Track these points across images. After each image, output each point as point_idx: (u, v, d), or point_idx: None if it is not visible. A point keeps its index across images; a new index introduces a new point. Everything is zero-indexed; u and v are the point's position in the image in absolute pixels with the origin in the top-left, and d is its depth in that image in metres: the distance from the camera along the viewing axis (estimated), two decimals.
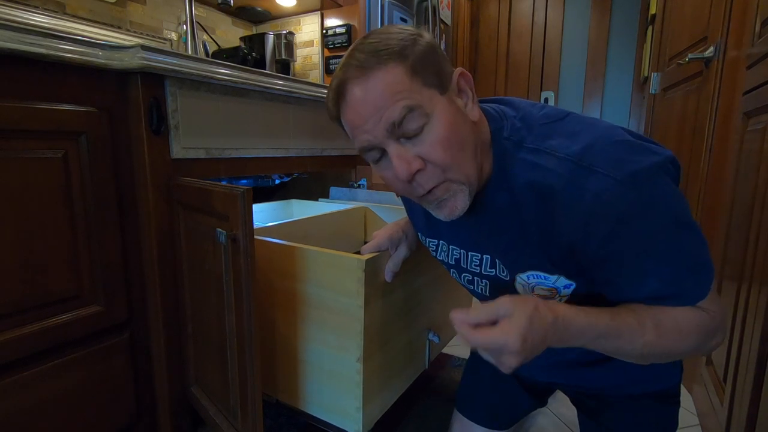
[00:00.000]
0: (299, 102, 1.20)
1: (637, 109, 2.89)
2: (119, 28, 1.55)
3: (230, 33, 2.06)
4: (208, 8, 1.92)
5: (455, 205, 0.53)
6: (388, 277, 0.70)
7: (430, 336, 0.91)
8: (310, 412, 0.78)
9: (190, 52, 1.57)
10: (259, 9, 2.05)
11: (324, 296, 0.71)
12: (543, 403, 0.87)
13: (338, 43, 2.03)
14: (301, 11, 2.11)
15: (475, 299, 0.99)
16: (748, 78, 0.95)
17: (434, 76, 0.50)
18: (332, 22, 2.07)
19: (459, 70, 0.54)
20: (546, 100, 3.17)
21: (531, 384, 0.82)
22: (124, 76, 0.80)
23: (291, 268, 0.74)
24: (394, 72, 0.48)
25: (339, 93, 0.51)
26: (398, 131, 0.49)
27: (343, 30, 2.02)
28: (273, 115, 1.12)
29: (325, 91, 1.26)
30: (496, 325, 0.45)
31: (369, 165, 1.51)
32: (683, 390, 0.71)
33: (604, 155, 0.47)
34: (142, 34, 1.62)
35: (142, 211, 0.84)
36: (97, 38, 0.74)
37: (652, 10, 2.25)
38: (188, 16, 1.54)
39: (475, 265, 0.64)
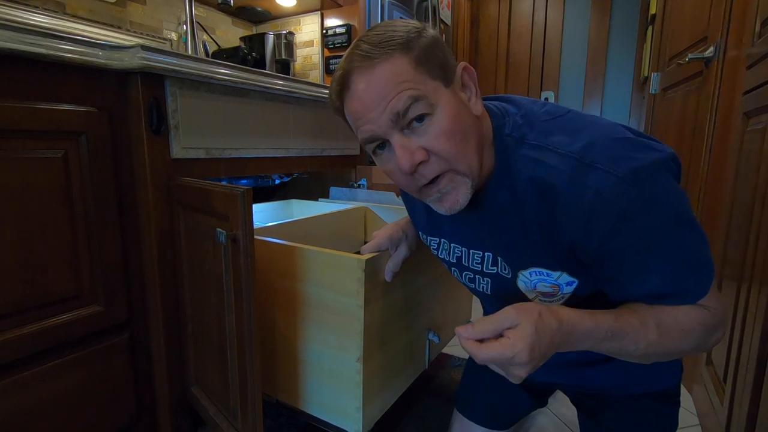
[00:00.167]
0: (299, 102, 1.20)
1: (637, 109, 2.89)
2: (119, 28, 1.55)
3: (230, 33, 2.06)
4: (208, 8, 1.92)
5: (456, 198, 0.53)
6: (388, 277, 0.70)
7: (430, 336, 0.91)
8: (310, 412, 0.78)
9: (190, 52, 1.57)
10: (259, 9, 2.05)
11: (324, 296, 0.71)
12: (543, 403, 0.87)
13: (338, 43, 2.03)
14: (301, 11, 2.11)
15: (475, 299, 0.99)
16: (748, 78, 0.95)
17: (439, 69, 0.50)
18: (332, 22, 2.07)
19: (463, 64, 0.54)
20: (546, 99, 3.17)
21: (531, 384, 0.82)
22: (124, 76, 0.80)
23: (291, 268, 0.74)
24: (400, 62, 0.48)
25: (343, 83, 0.51)
26: (402, 121, 0.49)
27: (343, 30, 2.01)
28: (273, 115, 1.12)
29: (326, 91, 1.27)
30: (502, 338, 0.45)
31: (369, 165, 1.52)
32: (683, 390, 0.71)
33: (606, 152, 0.47)
34: (142, 34, 1.62)
35: (142, 211, 0.84)
36: (97, 38, 0.74)
37: (652, 10, 2.25)
38: (188, 16, 1.54)
39: (477, 263, 0.64)
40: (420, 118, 0.49)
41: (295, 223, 1.10)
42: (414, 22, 0.52)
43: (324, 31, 2.08)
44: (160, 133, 0.83)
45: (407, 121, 0.49)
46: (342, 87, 0.51)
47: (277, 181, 1.60)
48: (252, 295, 0.64)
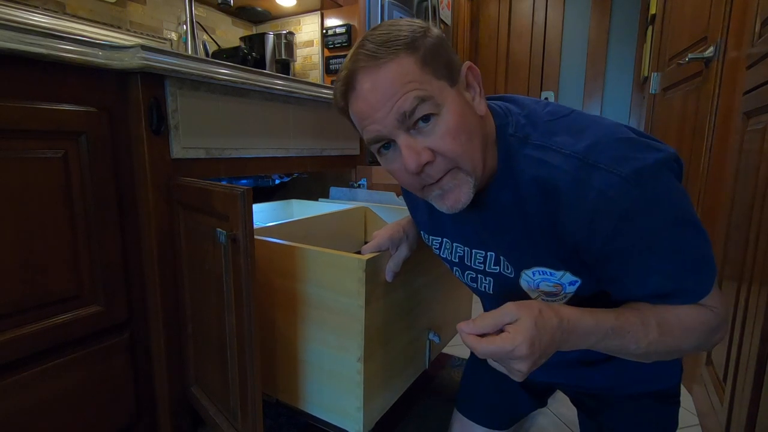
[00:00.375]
0: (299, 102, 1.20)
1: (637, 109, 2.89)
2: (119, 28, 1.55)
3: (230, 33, 2.06)
4: (208, 8, 1.92)
5: (458, 196, 0.52)
6: (388, 277, 0.70)
7: (431, 336, 0.91)
8: (311, 412, 0.78)
9: (190, 52, 1.57)
10: (259, 9, 2.05)
11: (324, 296, 0.71)
12: (543, 403, 0.87)
13: (338, 43, 2.03)
14: (301, 11, 2.11)
15: (475, 299, 0.99)
16: (748, 78, 0.95)
17: (444, 68, 0.50)
18: (332, 22, 2.07)
19: (467, 64, 0.53)
20: (546, 99, 3.17)
21: (531, 384, 0.82)
22: (124, 76, 0.79)
23: (291, 268, 0.74)
24: (406, 62, 0.48)
25: (348, 83, 0.50)
26: (408, 122, 0.49)
27: (343, 30, 2.01)
28: (273, 115, 1.12)
29: (326, 91, 1.27)
30: (502, 332, 0.45)
31: (369, 165, 1.52)
32: (683, 390, 0.71)
33: (609, 152, 0.47)
34: (142, 34, 1.62)
35: (142, 211, 0.84)
36: (97, 38, 0.74)
37: (652, 10, 2.25)
38: (188, 16, 1.54)
39: (479, 263, 0.64)
40: (426, 119, 0.49)
41: (295, 223, 1.10)
42: (419, 21, 0.52)
43: (324, 31, 2.08)
44: (160, 133, 0.83)
45: (413, 122, 0.49)
46: (347, 87, 0.51)
47: (277, 181, 1.60)
48: (252, 295, 0.64)
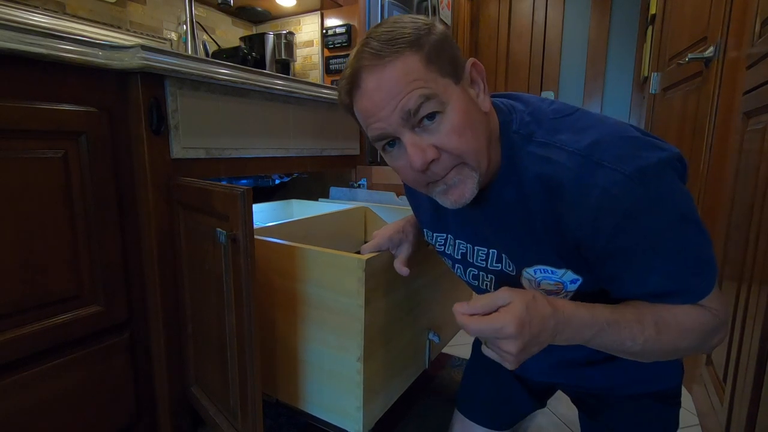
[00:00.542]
0: (299, 102, 1.20)
1: (637, 109, 2.89)
2: (119, 28, 1.55)
3: (230, 33, 2.06)
4: (208, 8, 1.92)
5: (462, 192, 0.53)
6: (404, 272, 0.69)
7: (431, 336, 0.91)
8: (311, 412, 0.78)
9: (190, 52, 1.57)
10: (259, 9, 2.05)
11: (324, 296, 0.71)
12: (543, 404, 0.87)
13: (338, 43, 2.03)
14: (301, 11, 2.11)
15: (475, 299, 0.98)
16: (748, 78, 0.95)
17: (449, 66, 0.50)
18: (332, 22, 2.07)
19: (471, 60, 0.53)
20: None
21: (531, 384, 0.82)
22: (124, 76, 0.79)
23: (291, 268, 0.74)
24: (410, 60, 0.48)
25: (353, 81, 0.50)
26: (413, 120, 0.49)
27: (343, 30, 2.01)
28: (273, 115, 1.12)
29: (326, 91, 1.27)
30: (494, 312, 0.46)
31: (369, 165, 1.52)
32: (683, 390, 0.71)
33: (613, 150, 0.47)
34: (142, 34, 1.62)
35: (142, 211, 0.84)
36: (97, 38, 0.74)
37: (652, 10, 2.26)
38: (188, 16, 1.54)
39: (481, 260, 0.64)
40: (431, 116, 0.49)
41: (295, 223, 1.10)
42: (423, 18, 0.52)
43: (324, 31, 2.08)
44: (160, 133, 0.83)
45: (418, 120, 0.49)
46: (352, 85, 0.51)
47: (277, 181, 1.60)
48: (252, 295, 0.64)
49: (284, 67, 1.95)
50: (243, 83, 0.98)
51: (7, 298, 0.68)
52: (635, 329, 0.48)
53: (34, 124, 0.68)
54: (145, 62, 0.76)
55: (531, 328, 0.45)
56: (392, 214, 1.26)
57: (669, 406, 0.69)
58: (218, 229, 0.66)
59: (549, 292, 0.58)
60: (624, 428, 0.70)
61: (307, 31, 2.14)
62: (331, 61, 2.09)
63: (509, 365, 0.46)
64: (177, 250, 0.87)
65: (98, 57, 0.74)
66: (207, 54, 1.76)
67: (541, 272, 0.57)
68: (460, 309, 0.48)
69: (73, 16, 1.41)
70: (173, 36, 1.75)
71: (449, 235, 0.69)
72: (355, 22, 2.01)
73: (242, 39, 1.95)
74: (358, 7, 1.99)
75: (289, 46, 1.92)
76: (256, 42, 1.87)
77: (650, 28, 2.35)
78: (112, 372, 0.83)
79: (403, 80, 0.48)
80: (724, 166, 1.08)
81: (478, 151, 0.51)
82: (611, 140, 0.48)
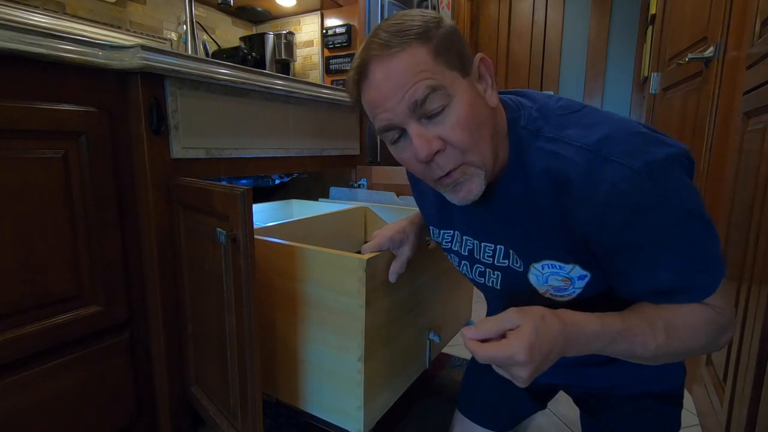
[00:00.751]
0: (299, 102, 1.20)
1: (637, 109, 2.89)
2: (119, 28, 1.55)
3: (230, 33, 2.06)
4: (208, 8, 1.92)
5: (470, 188, 0.53)
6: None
7: (431, 335, 0.91)
8: (311, 412, 0.78)
9: (190, 52, 1.57)
10: (259, 9, 2.05)
11: (324, 296, 0.71)
12: (543, 406, 0.86)
13: (338, 43, 2.03)
14: (301, 11, 2.11)
15: (475, 299, 0.98)
16: (748, 78, 0.95)
17: (457, 59, 0.50)
18: (332, 22, 2.08)
19: (480, 55, 0.53)
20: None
21: (533, 386, 0.82)
22: (124, 76, 0.79)
23: (291, 268, 0.74)
24: (418, 52, 0.48)
25: (361, 72, 0.51)
26: (420, 111, 0.49)
27: (343, 30, 2.01)
28: (273, 115, 1.12)
29: (326, 91, 1.27)
30: (503, 338, 0.45)
31: (369, 165, 1.52)
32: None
33: (621, 145, 0.47)
34: (142, 34, 1.63)
35: (142, 211, 0.84)
36: (97, 38, 0.74)
37: (652, 10, 2.26)
38: (188, 16, 1.54)
39: (488, 256, 0.64)
40: (437, 108, 0.49)
41: (295, 223, 1.10)
42: (432, 12, 0.52)
43: (324, 31, 2.09)
44: (160, 133, 0.83)
45: (425, 111, 0.49)
46: (360, 76, 0.51)
47: (277, 181, 1.60)
48: (252, 295, 0.64)
49: (284, 67, 1.95)
50: (243, 83, 0.98)
51: (7, 298, 0.68)
52: (647, 336, 0.48)
53: (34, 124, 0.68)
54: (145, 62, 0.76)
55: (541, 350, 0.44)
56: (392, 214, 1.26)
57: (671, 406, 0.69)
58: (218, 229, 0.66)
59: (557, 289, 0.58)
60: (626, 428, 0.70)
61: (307, 31, 2.14)
62: (331, 61, 2.09)
63: (521, 385, 0.46)
64: (177, 250, 0.87)
65: (98, 57, 0.74)
66: (207, 54, 1.76)
67: (548, 268, 0.57)
68: (468, 334, 0.47)
69: (73, 16, 1.41)
70: (173, 36, 1.75)
71: (456, 232, 0.69)
72: (355, 22, 2.01)
73: (242, 39, 1.96)
74: (358, 7, 1.99)
75: (289, 46, 1.92)
76: (256, 42, 1.87)
77: (650, 28, 2.35)
78: (112, 372, 0.83)
79: (411, 71, 0.48)
80: (724, 166, 1.08)
81: (482, 146, 0.51)
82: (619, 135, 0.48)
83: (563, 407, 1.14)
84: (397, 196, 1.30)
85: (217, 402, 0.81)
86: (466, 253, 0.68)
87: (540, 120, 0.54)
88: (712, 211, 1.14)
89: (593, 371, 0.69)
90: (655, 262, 0.48)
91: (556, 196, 0.51)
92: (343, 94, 1.33)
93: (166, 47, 1.34)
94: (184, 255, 0.86)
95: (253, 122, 1.05)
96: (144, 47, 0.77)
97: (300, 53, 2.15)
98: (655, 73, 1.81)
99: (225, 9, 1.95)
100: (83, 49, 0.72)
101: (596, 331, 0.47)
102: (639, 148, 0.47)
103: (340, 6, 2.03)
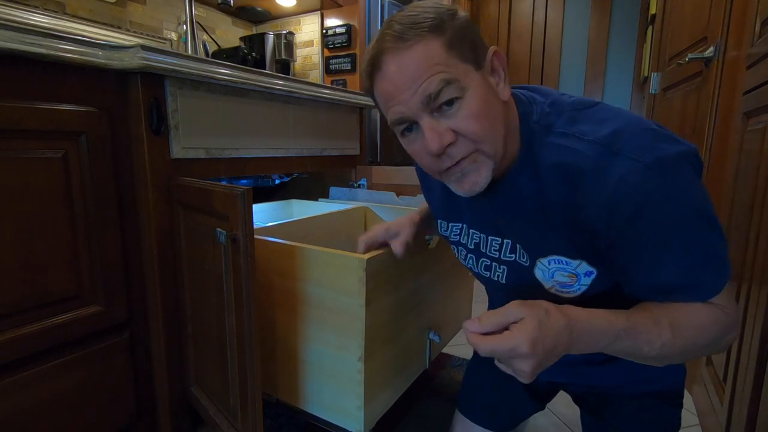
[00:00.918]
0: (299, 102, 1.20)
1: (637, 109, 2.89)
2: (119, 28, 1.55)
3: (230, 33, 2.06)
4: (208, 8, 1.92)
5: (476, 179, 0.53)
6: (399, 253, 0.70)
7: (431, 335, 0.91)
8: (311, 412, 0.78)
9: (190, 52, 1.57)
10: (259, 9, 2.05)
11: (324, 296, 0.71)
12: (542, 406, 0.86)
13: (338, 43, 2.03)
14: (301, 11, 2.12)
15: (475, 299, 0.98)
16: (748, 78, 0.95)
17: (470, 52, 0.50)
18: (332, 22, 2.08)
19: (493, 48, 0.53)
20: None
21: (534, 385, 0.82)
22: (124, 76, 0.79)
23: (291, 268, 0.74)
24: (432, 45, 0.48)
25: (374, 64, 0.51)
26: (433, 104, 0.49)
27: (343, 30, 2.01)
28: (273, 115, 1.12)
29: (326, 91, 1.27)
30: (506, 331, 0.45)
31: (369, 165, 1.52)
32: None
33: (633, 141, 0.47)
34: (142, 34, 1.63)
35: (142, 211, 0.84)
36: (97, 38, 0.74)
37: (652, 10, 2.26)
38: (188, 16, 1.54)
39: (495, 250, 0.64)
40: (450, 102, 0.49)
41: (295, 223, 1.10)
42: (446, 4, 0.52)
43: (324, 31, 2.09)
44: (160, 133, 0.83)
45: (438, 104, 0.49)
46: (373, 67, 0.51)
47: (277, 181, 1.60)
48: (252, 295, 0.64)
49: (284, 67, 1.95)
50: (243, 83, 0.98)
51: (7, 298, 0.68)
52: (652, 333, 0.48)
53: (34, 124, 0.68)
54: (145, 62, 0.76)
55: (545, 344, 0.43)
56: (392, 214, 1.26)
57: (671, 405, 0.69)
58: (218, 229, 0.66)
59: (563, 285, 0.57)
60: (626, 427, 0.70)
61: (307, 31, 2.14)
62: (331, 61, 2.09)
63: (524, 380, 0.45)
64: (177, 250, 0.87)
65: (98, 57, 0.74)
66: (207, 54, 1.76)
67: (555, 263, 0.56)
68: (470, 327, 0.46)
69: (73, 16, 1.41)
70: (173, 36, 1.75)
71: (464, 225, 0.69)
72: (355, 22, 2.01)
73: (242, 39, 1.96)
74: (358, 7, 1.99)
75: (289, 46, 1.92)
76: (256, 42, 1.87)
77: (650, 28, 2.36)
78: (112, 372, 0.83)
79: (425, 64, 0.48)
80: (724, 166, 1.08)
81: (495, 138, 0.51)
82: (631, 131, 0.48)
83: (563, 406, 1.14)
84: (397, 196, 1.30)
85: (217, 402, 0.81)
86: (473, 247, 0.68)
87: (552, 115, 0.54)
88: None
89: (594, 370, 0.69)
90: (659, 258, 0.48)
91: (566, 191, 0.51)
92: (343, 94, 1.33)
93: (166, 47, 1.34)
94: (184, 255, 0.86)
95: (253, 122, 1.05)
96: (144, 47, 0.77)
97: (300, 53, 2.16)
98: (655, 73, 1.81)
99: (225, 9, 1.95)
100: (83, 49, 0.72)
101: (601, 327, 0.47)
102: (650, 144, 0.47)
103: (340, 6, 2.03)
